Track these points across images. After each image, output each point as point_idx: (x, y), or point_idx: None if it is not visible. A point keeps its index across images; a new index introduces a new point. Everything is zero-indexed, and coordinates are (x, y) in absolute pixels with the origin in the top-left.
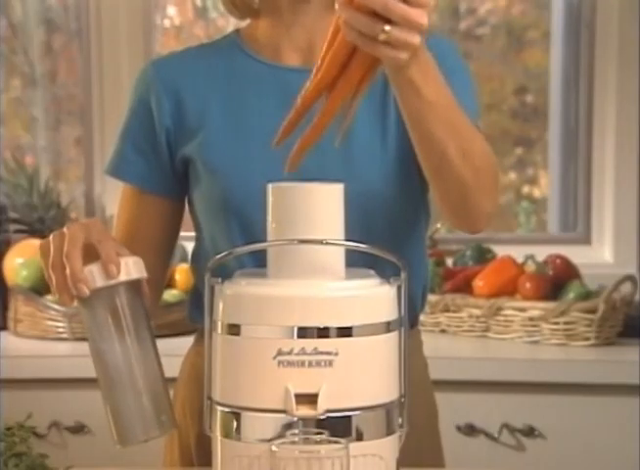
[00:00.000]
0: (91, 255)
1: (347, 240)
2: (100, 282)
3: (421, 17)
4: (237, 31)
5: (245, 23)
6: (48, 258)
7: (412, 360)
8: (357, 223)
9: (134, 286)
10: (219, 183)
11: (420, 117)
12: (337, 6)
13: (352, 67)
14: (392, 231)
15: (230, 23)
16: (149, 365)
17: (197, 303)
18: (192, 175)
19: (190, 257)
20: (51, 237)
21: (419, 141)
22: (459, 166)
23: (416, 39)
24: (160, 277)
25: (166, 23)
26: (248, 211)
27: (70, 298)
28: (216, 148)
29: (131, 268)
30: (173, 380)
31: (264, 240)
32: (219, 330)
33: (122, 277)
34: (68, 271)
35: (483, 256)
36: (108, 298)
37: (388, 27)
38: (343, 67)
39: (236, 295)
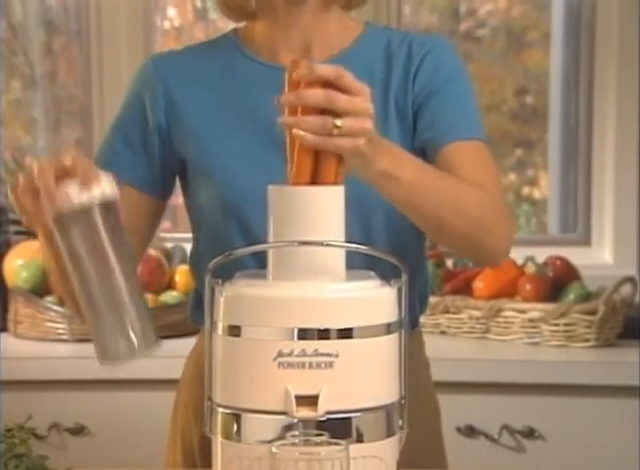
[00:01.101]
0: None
1: (347, 241)
2: (77, 199)
3: (365, 102)
4: (235, 31)
5: (242, 23)
6: (17, 190)
7: (414, 361)
8: (357, 225)
9: (109, 207)
10: (218, 184)
11: (406, 200)
12: (282, 122)
13: (322, 172)
14: (392, 232)
15: (230, 25)
16: (130, 283)
17: (197, 303)
18: (190, 177)
19: (188, 257)
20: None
21: (411, 217)
22: (457, 225)
23: (368, 124)
24: None
25: (166, 24)
26: (247, 213)
27: (44, 222)
28: (214, 149)
29: (106, 187)
30: (175, 381)
31: (265, 241)
32: (219, 331)
33: (98, 193)
34: (42, 190)
35: None
36: (84, 217)
37: (338, 122)
38: (313, 174)
39: (236, 296)
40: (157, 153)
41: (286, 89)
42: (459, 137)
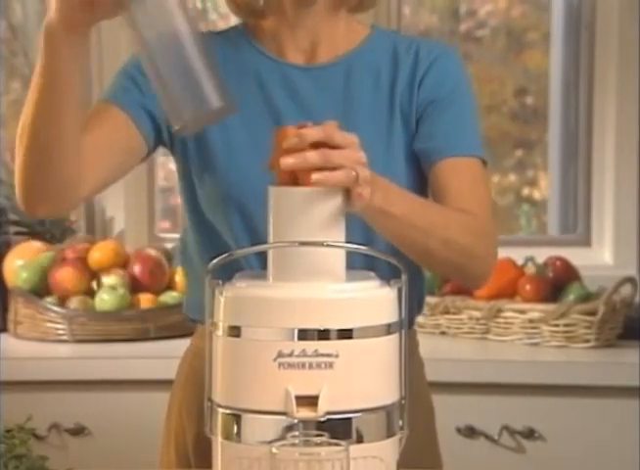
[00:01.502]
0: None
1: (348, 242)
2: None
3: (356, 152)
4: (244, 24)
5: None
6: None
7: (410, 361)
8: (358, 227)
9: None
10: (221, 175)
11: (397, 233)
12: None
13: None
14: None
15: (230, 25)
16: (200, 44)
17: (193, 298)
18: (192, 161)
19: (180, 247)
20: None
21: (401, 247)
22: (445, 254)
23: (362, 172)
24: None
25: None
26: (248, 202)
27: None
28: (218, 139)
29: None
30: (173, 382)
31: (266, 232)
32: (220, 332)
33: None
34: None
35: None
36: None
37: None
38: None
39: (236, 297)
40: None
41: (274, 152)
42: (457, 153)
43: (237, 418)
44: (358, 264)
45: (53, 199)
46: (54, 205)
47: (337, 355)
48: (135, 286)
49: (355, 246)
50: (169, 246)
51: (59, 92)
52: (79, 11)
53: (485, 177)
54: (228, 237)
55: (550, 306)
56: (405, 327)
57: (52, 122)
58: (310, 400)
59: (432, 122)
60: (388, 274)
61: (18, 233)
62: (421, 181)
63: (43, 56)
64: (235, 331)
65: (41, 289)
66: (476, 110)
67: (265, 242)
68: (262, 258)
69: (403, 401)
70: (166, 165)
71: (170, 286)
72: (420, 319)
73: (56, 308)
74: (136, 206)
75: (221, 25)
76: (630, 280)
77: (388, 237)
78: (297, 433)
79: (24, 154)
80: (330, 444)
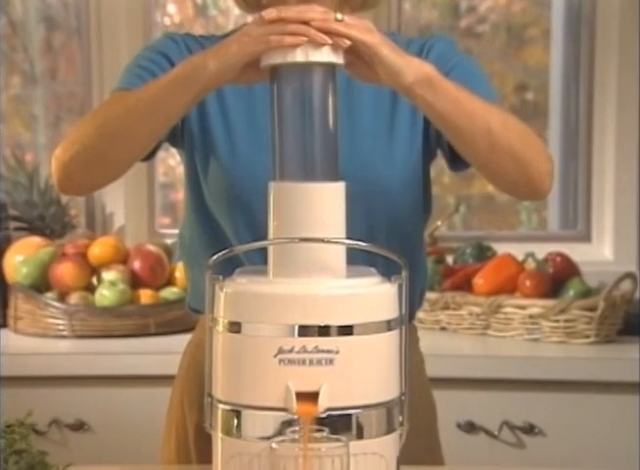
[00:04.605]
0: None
1: (349, 238)
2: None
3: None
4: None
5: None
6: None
7: (409, 356)
8: (359, 221)
9: (330, 72)
10: (223, 170)
11: (453, 107)
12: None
13: None
14: (393, 228)
15: (230, 21)
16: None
17: (195, 292)
18: (198, 157)
19: (180, 243)
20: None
21: (461, 128)
22: (505, 136)
23: (368, 24)
24: None
25: (166, 20)
26: (250, 200)
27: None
28: (225, 139)
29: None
30: (174, 378)
31: (267, 228)
32: (220, 328)
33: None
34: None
35: (484, 253)
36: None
37: (339, 15)
38: None
39: (237, 293)
40: None
41: None
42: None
43: (237, 414)
44: (359, 260)
45: (95, 179)
46: (89, 185)
47: (337, 352)
48: (135, 282)
49: (355, 242)
50: (169, 241)
51: (154, 123)
52: (234, 73)
53: None
54: (230, 233)
55: (550, 302)
56: (406, 322)
57: (131, 138)
58: (311, 397)
59: None
60: (389, 270)
61: (18, 229)
62: (422, 175)
63: (167, 86)
64: (235, 327)
65: (41, 284)
66: (480, 67)
67: (266, 238)
68: (264, 254)
69: (403, 397)
70: (166, 161)
71: (170, 282)
72: (420, 315)
73: (56, 304)
74: (136, 201)
75: (221, 21)
76: (630, 276)
77: (443, 117)
78: (297, 428)
79: (94, 136)
80: (330, 439)
